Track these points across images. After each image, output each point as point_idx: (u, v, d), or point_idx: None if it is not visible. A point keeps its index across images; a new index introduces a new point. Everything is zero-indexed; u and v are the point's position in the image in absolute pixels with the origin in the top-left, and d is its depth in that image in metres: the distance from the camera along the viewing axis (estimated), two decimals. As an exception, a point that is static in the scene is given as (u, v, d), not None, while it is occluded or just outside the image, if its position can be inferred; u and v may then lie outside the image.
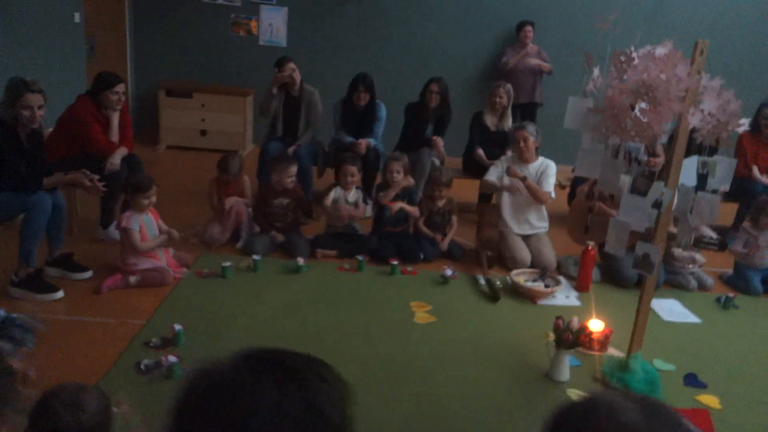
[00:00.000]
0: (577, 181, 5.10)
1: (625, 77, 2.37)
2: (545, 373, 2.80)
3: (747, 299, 3.85)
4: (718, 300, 3.76)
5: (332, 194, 4.03)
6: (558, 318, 2.75)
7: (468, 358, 2.89)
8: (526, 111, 6.18)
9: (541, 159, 4.15)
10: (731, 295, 3.76)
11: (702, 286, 3.97)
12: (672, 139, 2.44)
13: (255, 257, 3.65)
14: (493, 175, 4.15)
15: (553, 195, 4.10)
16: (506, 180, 4.09)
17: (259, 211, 4.04)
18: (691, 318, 3.55)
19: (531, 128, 4.05)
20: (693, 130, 2.34)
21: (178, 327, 2.78)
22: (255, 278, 3.55)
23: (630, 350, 2.72)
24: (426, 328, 3.14)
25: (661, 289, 3.79)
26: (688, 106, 2.17)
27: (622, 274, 3.84)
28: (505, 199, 4.11)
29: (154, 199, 3.42)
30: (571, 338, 2.66)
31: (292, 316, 3.15)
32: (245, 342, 2.78)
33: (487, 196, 4.87)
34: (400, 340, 3.00)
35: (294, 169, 4.01)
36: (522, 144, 4.04)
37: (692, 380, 2.84)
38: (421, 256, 3.99)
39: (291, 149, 4.71)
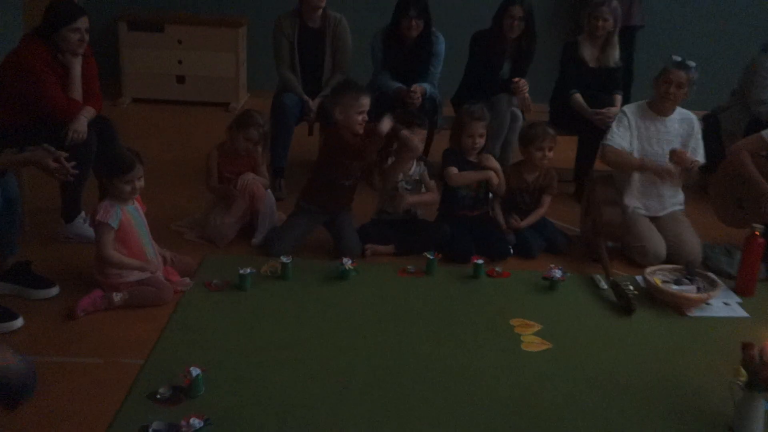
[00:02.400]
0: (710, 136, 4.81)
1: None
2: (727, 423, 2.52)
3: None
4: None
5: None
6: (749, 346, 2.45)
7: (612, 404, 2.62)
8: (621, 37, 5.84)
9: (679, 111, 3.83)
10: None
11: None
12: None
13: (284, 259, 3.39)
14: (622, 140, 3.78)
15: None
16: (637, 154, 3.76)
17: (322, 173, 3.68)
18: None
19: (695, 71, 3.70)
20: None
21: (195, 371, 2.51)
22: (286, 290, 3.31)
23: None
24: (540, 359, 2.89)
25: None
26: None
27: (802, 269, 3.55)
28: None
29: (140, 183, 3.14)
30: (775, 377, 2.36)
31: (347, 344, 2.91)
32: (288, 390, 2.57)
33: (591, 160, 4.55)
34: (508, 378, 2.75)
35: (366, 101, 3.56)
36: (674, 89, 3.69)
37: None
38: (511, 251, 3.73)
39: (315, 102, 4.40)
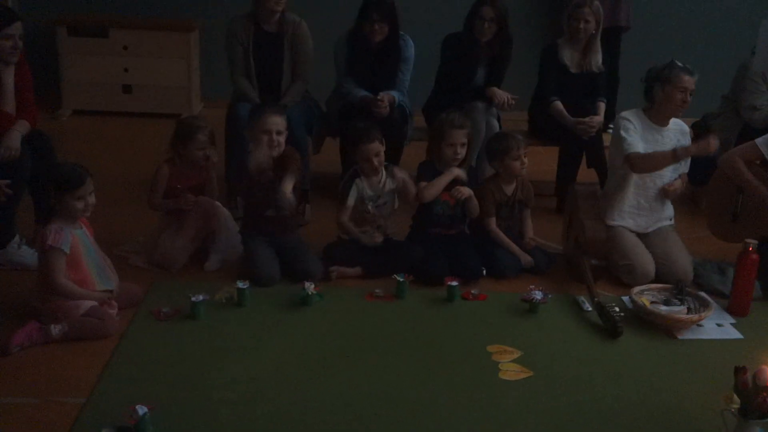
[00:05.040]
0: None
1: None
2: (721, 455, 2.56)
3: None
4: None
5: (352, 196, 3.75)
6: (742, 371, 2.50)
7: (597, 437, 2.65)
8: (605, 39, 5.95)
9: (674, 121, 3.93)
10: None
11: None
12: None
13: (240, 284, 3.40)
14: (639, 144, 3.79)
15: None
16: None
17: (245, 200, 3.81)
18: None
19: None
20: None
21: (141, 410, 2.50)
22: (242, 318, 3.32)
23: None
24: (519, 388, 2.92)
25: None
26: None
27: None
28: (633, 179, 3.87)
29: (92, 199, 3.16)
30: (768, 403, 2.41)
31: (308, 378, 2.92)
32: (244, 430, 2.57)
33: (573, 173, 4.62)
34: (483, 410, 2.77)
35: (280, 121, 3.71)
36: (688, 98, 3.77)
37: None
38: (483, 272, 3.78)
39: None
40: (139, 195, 4.43)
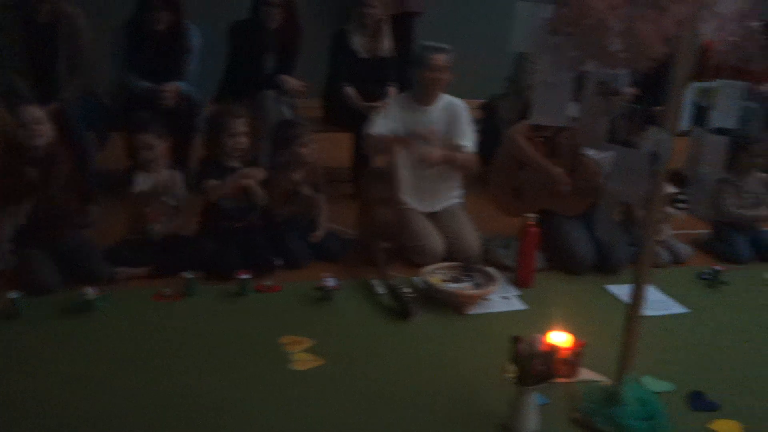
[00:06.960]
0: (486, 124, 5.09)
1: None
2: (504, 423, 2.64)
3: (734, 270, 4.02)
4: (703, 276, 3.91)
5: (140, 183, 3.60)
6: (517, 340, 2.58)
7: (386, 417, 2.67)
8: (397, 25, 6.05)
9: (445, 98, 4.01)
10: (717, 267, 3.89)
11: (677, 260, 4.11)
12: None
13: (12, 295, 3.18)
14: (382, 127, 3.92)
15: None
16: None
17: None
18: (675, 308, 3.62)
19: (450, 54, 3.89)
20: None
21: None
22: (17, 331, 3.10)
23: (621, 372, 2.63)
24: (311, 377, 2.89)
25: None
26: (699, 7, 2.05)
27: (574, 256, 3.85)
28: (402, 161, 3.91)
29: None
30: (542, 368, 2.50)
31: (94, 386, 2.75)
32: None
33: (367, 158, 4.66)
34: (274, 403, 2.72)
35: (34, 110, 3.50)
36: (441, 75, 3.85)
37: (700, 401, 2.84)
38: (278, 263, 3.75)
39: (50, 109, 4.15)
40: None
